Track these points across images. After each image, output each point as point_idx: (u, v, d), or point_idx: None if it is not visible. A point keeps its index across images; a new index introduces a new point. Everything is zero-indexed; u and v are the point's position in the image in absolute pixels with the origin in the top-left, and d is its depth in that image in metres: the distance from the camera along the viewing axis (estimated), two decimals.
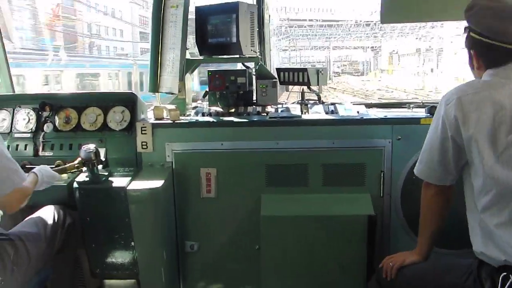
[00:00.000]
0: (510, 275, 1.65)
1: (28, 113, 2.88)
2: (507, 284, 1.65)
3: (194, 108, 3.19)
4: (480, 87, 1.77)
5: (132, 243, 2.56)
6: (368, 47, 56.96)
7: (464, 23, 1.86)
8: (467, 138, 1.73)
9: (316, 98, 3.19)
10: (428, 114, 2.66)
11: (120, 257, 2.62)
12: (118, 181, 2.55)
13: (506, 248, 1.67)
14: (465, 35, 1.90)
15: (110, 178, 2.58)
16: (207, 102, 3.15)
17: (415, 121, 2.64)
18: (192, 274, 2.89)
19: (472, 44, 1.86)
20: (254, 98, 3.07)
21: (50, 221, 2.40)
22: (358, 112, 2.91)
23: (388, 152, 2.66)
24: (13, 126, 2.87)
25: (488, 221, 1.72)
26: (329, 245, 2.52)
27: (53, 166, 2.57)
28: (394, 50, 49.33)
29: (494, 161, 1.67)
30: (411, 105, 2.95)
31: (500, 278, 1.67)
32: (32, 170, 2.29)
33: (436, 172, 1.89)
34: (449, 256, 2.54)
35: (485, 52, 1.82)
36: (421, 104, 3.03)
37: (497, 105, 1.69)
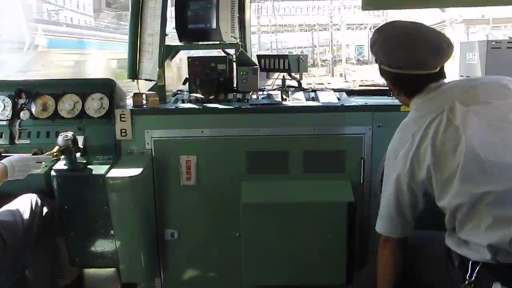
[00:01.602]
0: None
1: (4, 100, 2.80)
2: (477, 268, 1.62)
3: (174, 95, 3.16)
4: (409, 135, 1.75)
5: (112, 232, 2.54)
6: (363, 25, 43.88)
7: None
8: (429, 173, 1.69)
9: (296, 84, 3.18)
10: None
11: (99, 245, 2.60)
12: (97, 169, 2.52)
13: (478, 249, 1.62)
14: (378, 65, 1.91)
15: (88, 166, 2.55)
16: (187, 89, 3.12)
17: (395, 108, 2.65)
18: (172, 262, 2.89)
19: (386, 75, 1.87)
20: (235, 85, 3.05)
21: (27, 210, 2.36)
22: (339, 99, 2.92)
23: (368, 139, 2.67)
24: None
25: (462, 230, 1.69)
26: (309, 231, 2.54)
27: (30, 154, 2.52)
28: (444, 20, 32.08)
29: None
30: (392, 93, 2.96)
31: (470, 263, 1.65)
32: (0, 161, 2.23)
33: (397, 225, 1.86)
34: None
35: (402, 83, 1.85)
36: None
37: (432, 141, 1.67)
